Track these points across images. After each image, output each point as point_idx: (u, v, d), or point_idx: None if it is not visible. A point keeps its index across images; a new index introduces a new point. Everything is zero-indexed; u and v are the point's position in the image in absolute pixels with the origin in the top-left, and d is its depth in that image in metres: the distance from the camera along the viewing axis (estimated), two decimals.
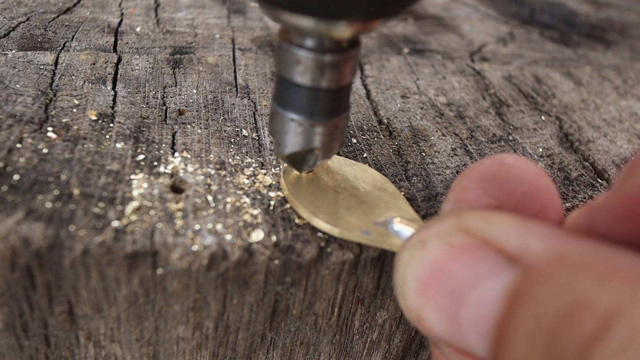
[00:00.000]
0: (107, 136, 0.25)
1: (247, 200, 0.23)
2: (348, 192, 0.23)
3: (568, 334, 0.11)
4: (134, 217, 0.21)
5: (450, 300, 0.14)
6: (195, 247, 0.20)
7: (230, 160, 0.25)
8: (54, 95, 0.28)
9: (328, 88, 0.20)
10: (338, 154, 0.27)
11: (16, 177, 0.22)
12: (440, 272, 0.14)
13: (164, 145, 0.26)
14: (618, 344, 0.10)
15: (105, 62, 0.32)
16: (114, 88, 0.30)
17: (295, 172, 0.24)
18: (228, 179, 0.24)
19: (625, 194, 0.14)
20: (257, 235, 0.21)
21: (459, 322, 0.14)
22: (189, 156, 0.25)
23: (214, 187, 0.23)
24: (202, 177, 0.24)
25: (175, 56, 0.35)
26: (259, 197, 0.23)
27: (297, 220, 0.22)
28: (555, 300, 0.11)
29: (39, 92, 0.28)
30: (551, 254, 0.12)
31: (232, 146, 0.26)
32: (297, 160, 0.23)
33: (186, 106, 0.29)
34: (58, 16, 0.38)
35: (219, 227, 0.21)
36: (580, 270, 0.12)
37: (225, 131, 0.28)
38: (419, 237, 0.15)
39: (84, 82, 0.30)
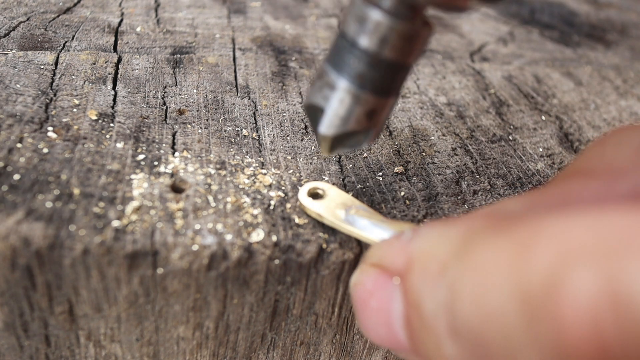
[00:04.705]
0: (108, 136, 0.25)
1: (247, 200, 0.23)
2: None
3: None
4: (134, 217, 0.21)
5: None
6: (195, 247, 0.20)
7: (230, 160, 0.25)
8: (54, 95, 0.28)
9: (391, 59, 0.19)
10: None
11: (16, 176, 0.22)
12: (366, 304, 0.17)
13: (164, 145, 0.26)
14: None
15: (106, 62, 0.32)
16: (114, 88, 0.30)
17: None
18: (228, 179, 0.24)
19: None
20: (257, 235, 0.21)
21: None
22: (189, 156, 0.25)
23: (214, 187, 0.23)
24: (202, 177, 0.24)
25: (175, 56, 0.35)
26: (259, 197, 0.23)
27: (297, 220, 0.22)
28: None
29: (39, 92, 0.28)
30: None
31: (233, 146, 0.26)
32: (342, 140, 0.21)
33: (186, 106, 0.29)
34: (58, 16, 0.38)
35: (219, 226, 0.21)
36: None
37: (225, 131, 0.28)
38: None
39: (84, 82, 0.30)
